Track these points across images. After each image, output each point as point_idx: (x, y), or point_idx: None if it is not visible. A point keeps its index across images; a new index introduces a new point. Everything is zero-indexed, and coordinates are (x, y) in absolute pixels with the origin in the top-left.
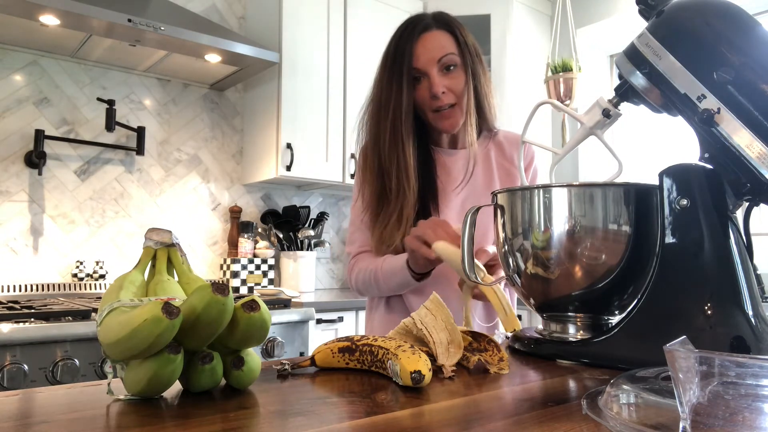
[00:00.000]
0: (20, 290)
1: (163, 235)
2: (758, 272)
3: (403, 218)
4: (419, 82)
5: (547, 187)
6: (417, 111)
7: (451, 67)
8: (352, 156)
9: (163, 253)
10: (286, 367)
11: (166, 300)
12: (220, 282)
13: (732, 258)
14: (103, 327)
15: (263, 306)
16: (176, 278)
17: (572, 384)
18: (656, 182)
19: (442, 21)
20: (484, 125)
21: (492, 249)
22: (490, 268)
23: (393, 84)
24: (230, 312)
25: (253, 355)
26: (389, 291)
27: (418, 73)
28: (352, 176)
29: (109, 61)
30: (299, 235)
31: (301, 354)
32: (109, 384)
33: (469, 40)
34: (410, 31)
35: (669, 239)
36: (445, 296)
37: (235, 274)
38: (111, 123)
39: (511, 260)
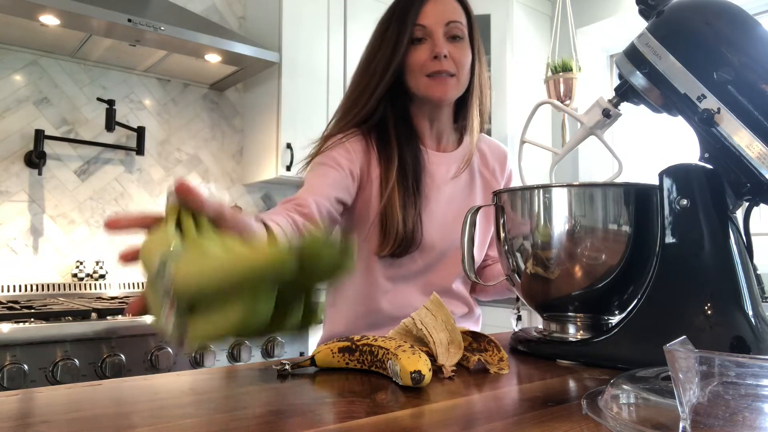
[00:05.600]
0: (20, 290)
1: None
2: (758, 272)
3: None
4: (420, 42)
5: (547, 187)
6: (407, 81)
7: (458, 38)
8: None
9: (187, 213)
10: (286, 367)
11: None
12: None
13: (732, 258)
14: (182, 266)
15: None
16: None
17: (572, 384)
18: (656, 182)
19: None
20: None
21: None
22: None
23: (389, 38)
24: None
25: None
26: None
27: (421, 33)
28: None
29: (109, 61)
30: None
31: (301, 354)
32: (175, 335)
33: (476, 28)
34: None
35: (669, 239)
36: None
37: None
38: (111, 123)
39: (511, 260)
